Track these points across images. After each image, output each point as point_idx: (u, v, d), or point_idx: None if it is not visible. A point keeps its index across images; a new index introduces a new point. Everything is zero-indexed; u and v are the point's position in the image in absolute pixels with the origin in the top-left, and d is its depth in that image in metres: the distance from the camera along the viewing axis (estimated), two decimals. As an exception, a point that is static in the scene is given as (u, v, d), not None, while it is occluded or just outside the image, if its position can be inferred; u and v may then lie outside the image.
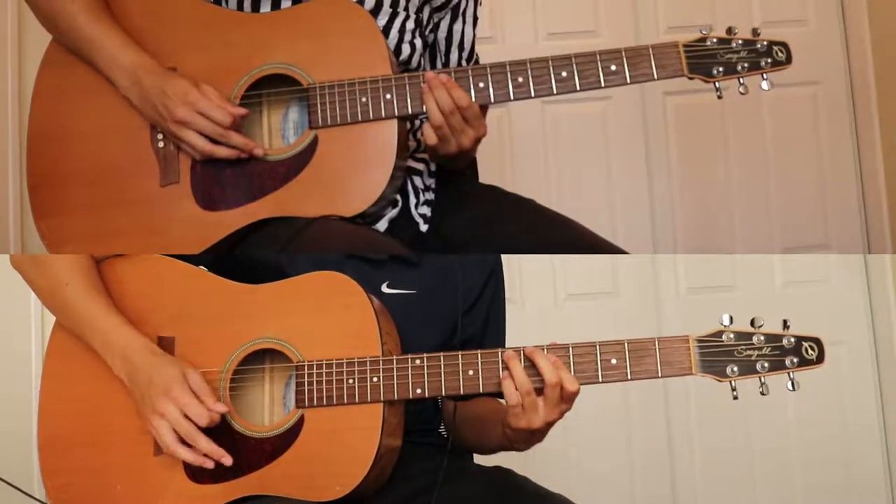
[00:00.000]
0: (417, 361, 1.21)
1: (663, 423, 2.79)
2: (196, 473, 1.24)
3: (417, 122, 1.48)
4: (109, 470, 1.27)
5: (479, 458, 1.47)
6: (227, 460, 1.20)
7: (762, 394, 1.17)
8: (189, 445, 1.19)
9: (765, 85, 1.32)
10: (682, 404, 2.78)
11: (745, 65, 1.31)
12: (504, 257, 1.47)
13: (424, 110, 1.30)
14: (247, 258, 1.34)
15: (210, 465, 1.19)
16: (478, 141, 1.34)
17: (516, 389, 1.18)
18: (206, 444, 1.19)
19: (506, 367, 1.19)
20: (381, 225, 1.38)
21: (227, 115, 1.28)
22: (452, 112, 1.29)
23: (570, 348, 1.20)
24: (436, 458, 1.30)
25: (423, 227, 1.42)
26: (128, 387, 1.25)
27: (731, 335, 1.18)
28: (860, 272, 2.91)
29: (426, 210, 1.43)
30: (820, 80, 3.10)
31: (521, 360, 1.19)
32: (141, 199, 1.33)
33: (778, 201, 3.09)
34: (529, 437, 1.22)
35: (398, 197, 1.40)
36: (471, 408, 1.38)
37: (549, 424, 1.20)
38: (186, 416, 1.18)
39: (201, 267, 1.34)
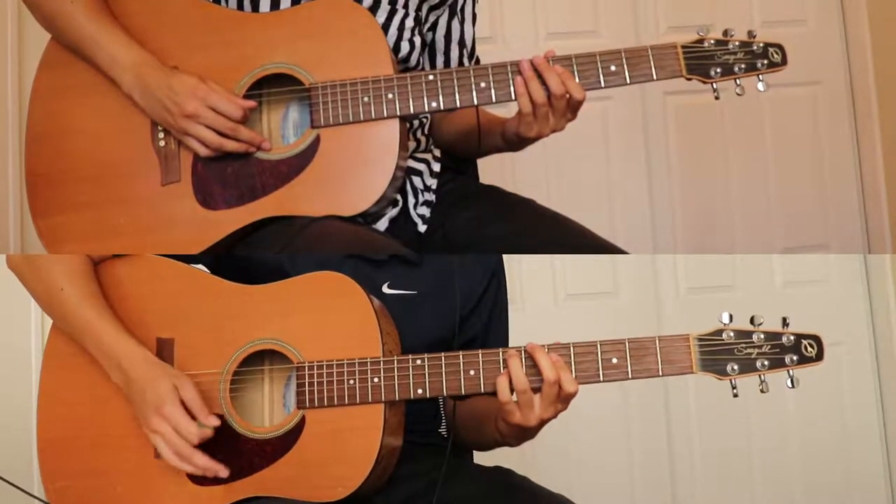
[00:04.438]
0: (418, 361, 1.21)
1: (663, 423, 2.79)
2: (196, 475, 1.23)
3: (417, 122, 1.48)
4: (110, 472, 1.27)
5: (479, 458, 1.47)
6: (224, 473, 1.21)
7: (762, 391, 1.18)
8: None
9: (761, 86, 1.33)
10: (681, 403, 2.78)
11: (742, 66, 1.32)
12: (504, 257, 1.47)
13: (426, 110, 1.30)
14: (246, 258, 1.34)
15: (211, 475, 1.20)
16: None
17: (510, 387, 1.18)
18: (200, 460, 1.20)
19: (505, 366, 1.19)
20: (382, 224, 1.38)
21: (237, 108, 1.28)
22: (562, 97, 1.30)
23: (572, 347, 1.20)
24: (436, 458, 1.30)
25: (422, 228, 1.42)
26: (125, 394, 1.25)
27: (731, 333, 1.19)
28: (860, 272, 2.91)
29: (425, 210, 1.43)
30: (820, 80, 3.10)
31: (521, 358, 1.19)
32: (141, 198, 1.33)
33: (778, 201, 3.09)
34: (522, 434, 1.23)
35: (398, 197, 1.40)
36: (469, 405, 1.38)
37: (543, 422, 1.20)
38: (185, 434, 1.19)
39: (200, 267, 1.34)
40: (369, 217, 1.33)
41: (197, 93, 1.27)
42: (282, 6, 1.36)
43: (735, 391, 1.18)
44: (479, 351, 1.21)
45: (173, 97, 1.28)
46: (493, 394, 1.22)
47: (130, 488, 1.26)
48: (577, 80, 1.30)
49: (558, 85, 1.28)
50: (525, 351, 1.20)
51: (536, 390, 1.18)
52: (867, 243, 3.10)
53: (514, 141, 1.40)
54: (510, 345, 1.44)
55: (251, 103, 1.30)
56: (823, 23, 3.12)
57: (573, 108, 1.32)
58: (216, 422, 1.21)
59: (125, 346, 1.25)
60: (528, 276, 2.79)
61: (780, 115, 3.07)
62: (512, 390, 1.19)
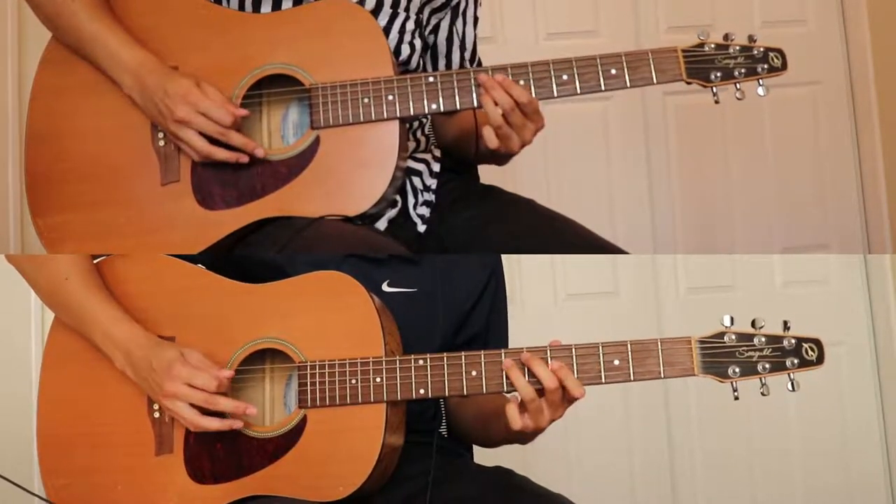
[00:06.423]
0: (420, 362, 1.21)
1: (663, 423, 2.79)
2: (197, 473, 1.24)
3: (416, 122, 1.48)
4: (110, 470, 1.27)
5: (479, 458, 1.47)
6: (252, 410, 1.21)
7: (763, 394, 1.18)
8: (211, 413, 1.21)
9: (761, 91, 1.33)
10: (682, 404, 2.78)
11: (743, 70, 1.31)
12: (504, 257, 1.47)
13: (426, 111, 1.30)
14: (246, 258, 1.34)
15: (239, 424, 1.21)
16: (537, 132, 1.33)
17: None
18: (226, 403, 1.21)
19: (507, 376, 1.20)
20: (381, 224, 1.38)
21: (227, 114, 1.28)
22: (512, 110, 1.28)
23: (574, 349, 1.20)
24: (437, 457, 1.30)
25: (421, 228, 1.42)
26: (133, 381, 1.25)
27: (733, 336, 1.19)
28: (860, 272, 2.91)
29: (425, 210, 1.43)
30: (820, 80, 3.10)
31: (521, 367, 1.19)
32: (141, 198, 1.33)
33: (778, 201, 3.09)
34: (534, 434, 1.24)
35: (398, 197, 1.40)
36: (476, 403, 1.38)
37: (553, 421, 1.21)
38: (196, 388, 1.20)
39: (200, 266, 1.34)
40: (368, 218, 1.33)
41: (188, 98, 1.27)
42: (283, 6, 1.36)
43: (736, 394, 1.18)
44: (482, 352, 1.21)
45: (166, 101, 1.28)
46: (496, 394, 1.23)
47: (131, 486, 1.26)
48: (577, 83, 1.30)
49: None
50: (523, 361, 1.20)
51: (541, 394, 1.19)
52: (867, 243, 3.10)
53: (502, 155, 1.39)
54: (510, 344, 1.45)
55: (243, 111, 1.29)
56: (823, 23, 3.12)
57: (525, 113, 1.30)
58: (230, 373, 1.22)
59: (131, 331, 1.26)
60: (528, 276, 2.79)
61: (780, 115, 3.07)
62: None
